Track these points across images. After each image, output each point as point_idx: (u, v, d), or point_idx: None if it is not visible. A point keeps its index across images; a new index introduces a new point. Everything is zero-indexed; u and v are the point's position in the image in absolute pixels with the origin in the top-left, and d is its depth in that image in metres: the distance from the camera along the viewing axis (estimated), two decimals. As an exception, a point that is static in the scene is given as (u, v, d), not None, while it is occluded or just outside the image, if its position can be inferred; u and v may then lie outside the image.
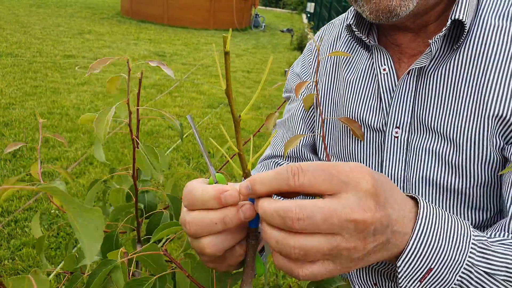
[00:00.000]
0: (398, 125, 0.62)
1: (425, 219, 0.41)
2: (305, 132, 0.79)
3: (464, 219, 0.59)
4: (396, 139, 0.62)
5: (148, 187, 0.71)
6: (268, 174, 0.36)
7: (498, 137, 0.55)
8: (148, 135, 3.75)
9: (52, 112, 3.97)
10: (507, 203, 0.54)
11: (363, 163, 0.67)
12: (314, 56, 0.78)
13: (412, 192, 0.61)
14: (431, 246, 0.40)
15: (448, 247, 0.41)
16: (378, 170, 0.65)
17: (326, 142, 0.74)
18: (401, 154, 0.62)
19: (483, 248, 0.43)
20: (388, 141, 0.63)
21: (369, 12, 0.56)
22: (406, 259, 0.40)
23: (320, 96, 0.74)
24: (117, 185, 0.73)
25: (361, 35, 0.64)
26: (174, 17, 10.05)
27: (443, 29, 0.55)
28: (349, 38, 0.71)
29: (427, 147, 0.60)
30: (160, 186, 0.64)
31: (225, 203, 0.38)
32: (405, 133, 0.62)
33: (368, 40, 0.64)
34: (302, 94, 0.78)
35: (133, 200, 0.67)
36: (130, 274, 0.56)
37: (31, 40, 6.80)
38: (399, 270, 0.41)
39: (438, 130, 0.58)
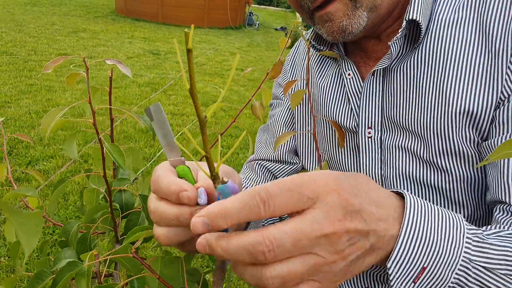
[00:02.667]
0: (370, 125, 0.64)
1: (413, 215, 0.39)
2: (289, 138, 0.80)
3: None
4: (369, 139, 0.64)
5: (125, 186, 0.69)
6: (232, 206, 0.33)
7: (471, 131, 0.54)
8: (143, 133, 3.79)
9: (47, 110, 3.99)
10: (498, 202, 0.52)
11: (342, 164, 0.69)
12: (291, 66, 0.83)
13: (393, 189, 0.62)
14: (422, 244, 0.38)
15: (441, 243, 0.39)
16: (356, 170, 0.66)
17: (310, 151, 0.77)
18: (376, 153, 0.64)
19: (479, 241, 0.41)
20: (362, 142, 0.65)
21: (326, 34, 0.59)
22: (396, 260, 0.38)
23: (299, 106, 0.77)
24: (93, 185, 0.71)
25: (321, 47, 0.68)
26: (169, 15, 10.06)
27: (399, 31, 0.56)
28: (315, 51, 0.74)
29: (399, 144, 0.61)
30: (135, 185, 0.63)
31: (182, 201, 0.38)
32: (378, 132, 0.63)
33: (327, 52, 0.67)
34: (289, 94, 0.81)
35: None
36: (102, 277, 0.55)
37: (26, 38, 6.80)
38: (390, 272, 0.39)
39: (406, 126, 0.59)
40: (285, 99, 0.83)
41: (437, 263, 0.39)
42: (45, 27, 7.87)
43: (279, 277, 0.33)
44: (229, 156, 3.56)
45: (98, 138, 0.61)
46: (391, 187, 0.62)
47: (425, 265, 0.39)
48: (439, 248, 0.39)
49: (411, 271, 0.39)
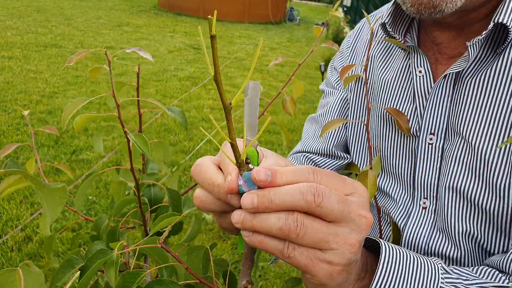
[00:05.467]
0: (432, 131, 0.59)
1: (387, 263, 0.41)
2: (340, 130, 0.75)
3: (492, 244, 0.55)
4: (430, 146, 0.59)
5: (154, 180, 0.69)
6: (288, 168, 0.36)
7: None
8: (182, 126, 3.81)
9: (91, 102, 4.12)
10: None
11: (396, 168, 0.65)
12: (351, 51, 0.75)
13: (441, 202, 0.58)
14: None
15: None
16: (410, 176, 0.63)
17: (362, 146, 0.72)
18: (435, 161, 0.59)
19: None
20: (421, 147, 0.60)
21: (410, 4, 0.51)
22: None
23: (355, 96, 0.72)
24: (122, 179, 0.72)
25: (396, 35, 0.61)
26: (210, 10, 10.13)
27: (483, 32, 0.50)
28: (385, 37, 0.67)
29: (461, 158, 0.56)
30: (164, 179, 0.64)
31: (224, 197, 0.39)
32: (440, 140, 0.58)
33: (403, 41, 0.61)
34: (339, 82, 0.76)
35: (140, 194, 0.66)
36: (132, 267, 0.55)
37: (73, 32, 7.06)
38: None
39: (471, 141, 0.54)
40: (339, 88, 0.76)
41: None
42: (91, 21, 8.14)
43: (303, 225, 0.35)
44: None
45: (124, 130, 0.60)
46: (442, 200, 0.58)
47: None
48: None
49: None
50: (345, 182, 0.37)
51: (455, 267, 0.47)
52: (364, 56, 0.72)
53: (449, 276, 0.44)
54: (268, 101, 0.85)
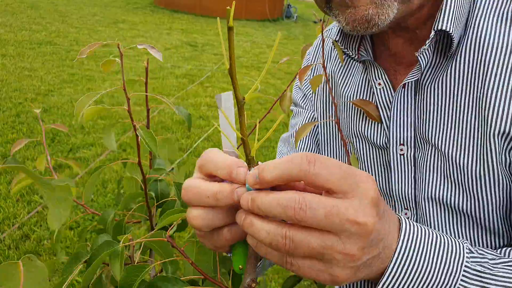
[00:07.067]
0: (402, 142, 0.58)
1: (408, 239, 0.39)
2: (311, 149, 0.74)
3: (480, 244, 0.54)
4: (402, 156, 0.59)
5: (161, 175, 0.71)
6: (279, 160, 0.35)
7: (508, 155, 0.49)
8: (180, 124, 3.80)
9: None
10: None
11: None
12: (311, 69, 0.76)
13: (422, 213, 0.58)
14: (414, 269, 0.38)
15: (435, 270, 0.39)
16: (387, 189, 0.62)
17: (334, 156, 0.72)
18: (409, 172, 0.59)
19: (481, 272, 0.40)
20: (393, 159, 0.59)
21: (345, 23, 0.52)
22: (387, 283, 0.38)
23: (321, 113, 0.72)
24: (128, 173, 0.74)
25: (350, 51, 0.61)
26: (206, 7, 10.10)
27: (427, 42, 0.50)
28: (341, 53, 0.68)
29: (433, 165, 0.55)
30: (172, 174, 0.65)
31: (234, 177, 0.38)
32: (411, 149, 0.58)
33: (357, 56, 0.61)
34: (310, 100, 0.76)
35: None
36: (137, 261, 0.57)
37: (68, 29, 7.00)
38: None
39: (440, 147, 0.54)
40: (307, 107, 0.76)
41: None
42: (86, 18, 8.08)
43: (293, 240, 0.34)
44: (265, 150, 3.50)
45: (132, 124, 0.61)
46: (422, 210, 0.58)
47: None
48: (433, 274, 0.39)
49: None
50: (349, 176, 0.34)
51: (480, 247, 0.45)
52: (329, 70, 0.72)
53: (474, 255, 0.42)
54: (269, 97, 0.86)
